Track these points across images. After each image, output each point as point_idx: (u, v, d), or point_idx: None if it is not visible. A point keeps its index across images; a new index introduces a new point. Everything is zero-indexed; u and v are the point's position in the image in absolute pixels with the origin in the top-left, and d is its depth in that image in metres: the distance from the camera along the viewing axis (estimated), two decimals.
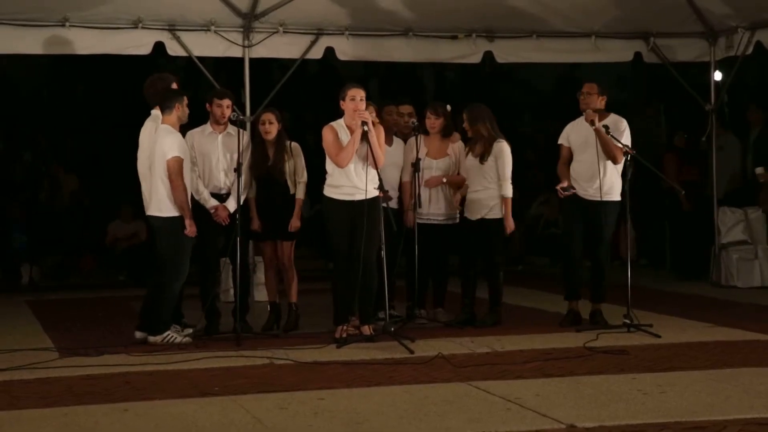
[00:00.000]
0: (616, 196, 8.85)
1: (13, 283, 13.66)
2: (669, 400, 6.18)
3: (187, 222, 8.26)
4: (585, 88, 8.89)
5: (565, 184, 8.85)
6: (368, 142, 8.14)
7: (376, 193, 8.20)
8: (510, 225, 8.90)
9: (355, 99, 8.28)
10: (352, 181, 8.29)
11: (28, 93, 20.07)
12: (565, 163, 9.01)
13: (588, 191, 8.85)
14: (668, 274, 13.01)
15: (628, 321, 8.50)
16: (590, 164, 8.80)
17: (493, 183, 8.90)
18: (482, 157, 8.90)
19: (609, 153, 8.69)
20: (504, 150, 8.91)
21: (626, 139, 8.73)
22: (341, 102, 8.36)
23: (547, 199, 15.25)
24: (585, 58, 11.86)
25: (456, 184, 9.19)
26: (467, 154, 9.05)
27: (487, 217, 8.92)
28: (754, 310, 10.07)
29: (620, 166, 8.76)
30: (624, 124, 8.83)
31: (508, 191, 8.89)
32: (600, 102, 8.87)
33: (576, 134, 8.97)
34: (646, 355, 7.62)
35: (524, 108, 20.86)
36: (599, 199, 8.80)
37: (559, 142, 9.09)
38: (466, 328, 8.83)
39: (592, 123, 8.66)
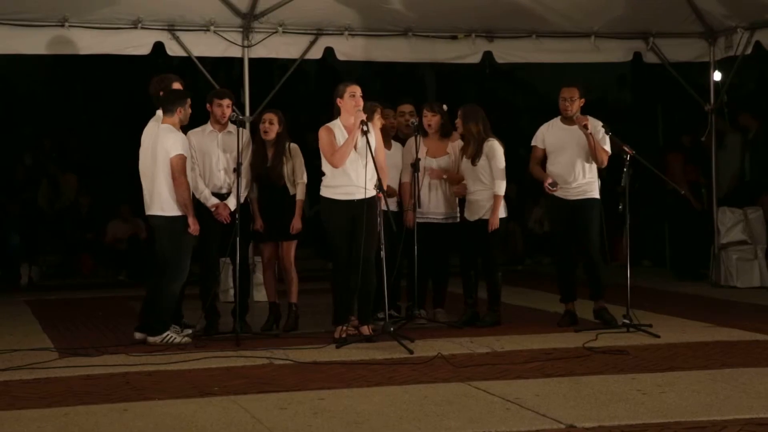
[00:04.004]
0: (596, 194, 8.92)
1: (12, 283, 13.68)
2: (669, 400, 6.18)
3: (190, 220, 8.26)
4: (566, 93, 8.92)
5: (551, 180, 8.89)
6: (368, 143, 8.14)
7: (375, 192, 8.21)
8: (494, 223, 8.89)
9: (355, 95, 8.28)
10: (352, 180, 8.28)
11: (27, 93, 20.06)
12: (537, 163, 9.07)
13: (569, 192, 8.89)
14: (668, 274, 13.03)
15: (627, 321, 8.51)
16: (569, 165, 8.87)
17: (488, 183, 8.91)
18: (474, 159, 8.93)
19: (597, 156, 8.77)
20: (495, 148, 8.93)
21: (607, 141, 8.79)
22: (338, 100, 8.35)
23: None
24: (585, 58, 11.85)
25: (455, 181, 9.19)
26: (461, 157, 9.07)
27: (485, 217, 8.94)
28: (753, 310, 10.08)
29: (595, 165, 8.82)
30: (600, 124, 8.85)
31: (501, 189, 8.90)
32: (580, 105, 8.91)
33: (552, 137, 9.01)
34: (645, 355, 7.62)
35: (524, 107, 20.92)
36: (581, 197, 8.86)
37: (533, 143, 9.12)
38: (465, 328, 8.84)
39: (585, 127, 8.70)
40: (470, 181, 9.01)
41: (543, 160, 9.05)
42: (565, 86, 8.97)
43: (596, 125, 8.82)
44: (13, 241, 14.36)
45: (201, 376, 7.14)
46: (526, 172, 15.36)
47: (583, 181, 8.87)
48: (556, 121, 9.03)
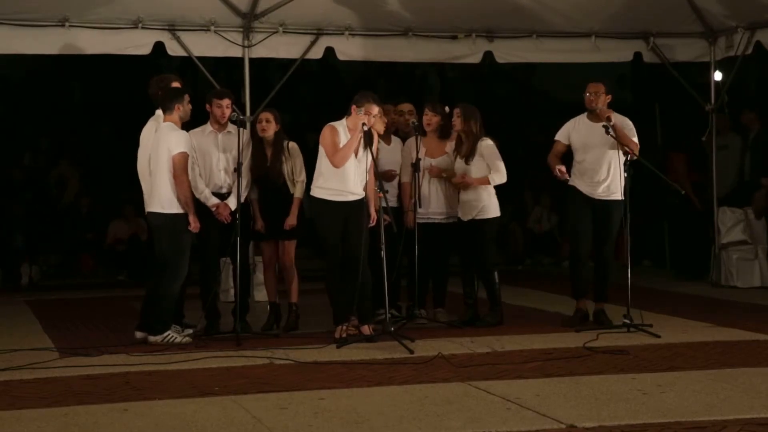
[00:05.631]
0: (620, 195, 8.85)
1: (13, 283, 13.68)
2: (669, 400, 6.18)
3: (191, 218, 8.26)
4: (592, 88, 8.86)
5: (563, 168, 8.84)
6: (369, 146, 8.13)
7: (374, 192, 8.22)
8: (467, 180, 8.83)
9: (369, 115, 8.21)
10: (347, 185, 8.27)
11: (27, 93, 20.08)
12: (556, 156, 9.00)
13: (595, 190, 8.85)
14: (668, 274, 13.02)
15: (628, 321, 8.51)
16: (595, 163, 8.82)
17: None
18: (468, 158, 8.92)
19: (628, 147, 8.67)
20: (489, 146, 8.94)
21: (635, 132, 8.76)
22: (354, 107, 8.26)
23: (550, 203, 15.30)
24: (585, 58, 11.87)
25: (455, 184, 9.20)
26: (455, 157, 9.06)
27: (477, 217, 8.94)
28: (753, 310, 10.08)
29: (622, 165, 8.78)
30: (630, 122, 8.85)
31: (495, 180, 8.89)
32: (606, 101, 8.89)
33: (578, 134, 8.95)
34: (646, 355, 7.62)
35: (524, 107, 20.93)
36: (606, 198, 8.83)
37: (557, 138, 9.04)
38: (465, 328, 8.84)
39: (608, 120, 8.65)
40: None
41: (562, 155, 8.99)
42: (591, 82, 8.94)
43: (622, 120, 8.79)
44: (16, 242, 14.36)
45: (201, 376, 7.14)
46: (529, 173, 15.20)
47: (609, 180, 8.81)
48: (582, 118, 8.97)
